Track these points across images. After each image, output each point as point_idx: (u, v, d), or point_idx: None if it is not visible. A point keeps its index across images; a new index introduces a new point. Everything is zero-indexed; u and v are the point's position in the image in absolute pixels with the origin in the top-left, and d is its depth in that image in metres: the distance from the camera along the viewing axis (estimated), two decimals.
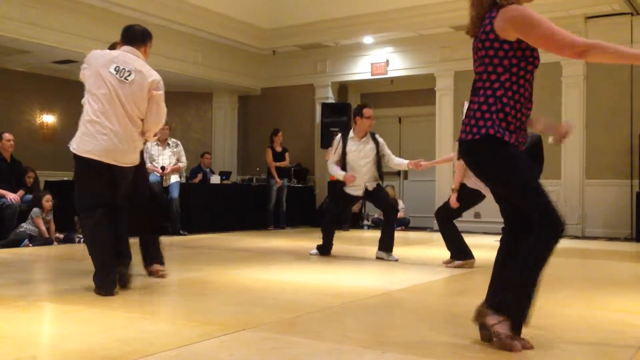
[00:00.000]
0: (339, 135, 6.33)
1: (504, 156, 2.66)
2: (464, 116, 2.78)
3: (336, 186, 6.45)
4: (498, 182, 2.77)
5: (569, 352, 2.66)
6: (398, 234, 6.22)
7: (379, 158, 6.18)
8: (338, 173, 6.15)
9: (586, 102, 9.51)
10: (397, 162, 6.25)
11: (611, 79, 9.35)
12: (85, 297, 3.69)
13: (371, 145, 6.16)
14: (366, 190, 6.15)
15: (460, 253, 5.54)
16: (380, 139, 6.27)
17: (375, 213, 10.91)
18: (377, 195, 6.21)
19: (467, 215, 10.10)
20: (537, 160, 8.30)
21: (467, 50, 11.27)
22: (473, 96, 2.73)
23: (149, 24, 9.88)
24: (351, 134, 6.21)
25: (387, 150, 6.25)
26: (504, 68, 2.63)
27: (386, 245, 6.00)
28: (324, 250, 6.32)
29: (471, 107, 2.71)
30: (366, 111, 6.11)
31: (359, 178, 6.08)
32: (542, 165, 8.33)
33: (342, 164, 6.17)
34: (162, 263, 4.55)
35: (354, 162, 6.11)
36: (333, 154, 6.24)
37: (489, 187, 2.93)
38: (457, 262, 5.52)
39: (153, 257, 4.54)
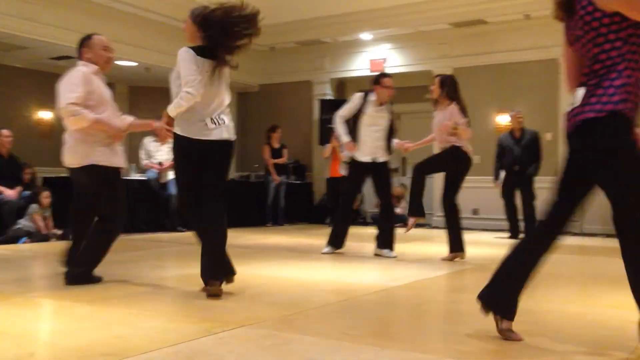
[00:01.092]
0: (361, 93, 6.02)
1: (631, 144, 2.43)
2: (572, 107, 2.58)
3: (349, 166, 6.25)
4: (617, 172, 2.51)
5: (568, 348, 2.66)
6: (398, 231, 6.21)
7: (392, 130, 6.04)
8: (342, 134, 5.98)
9: None
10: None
11: None
12: (84, 294, 3.68)
13: (386, 114, 6.02)
14: (374, 162, 5.96)
15: (415, 207, 5.63)
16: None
17: (375, 209, 10.92)
18: (381, 179, 6.02)
19: (465, 211, 10.12)
20: (537, 156, 8.33)
21: (465, 46, 11.22)
22: (591, 79, 2.51)
23: (147, 20, 9.91)
24: (372, 97, 5.95)
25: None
26: (623, 41, 2.43)
27: (384, 241, 5.98)
28: (337, 242, 6.12)
29: (590, 90, 2.50)
30: (386, 80, 5.90)
31: (370, 144, 5.91)
32: (540, 162, 8.35)
33: (353, 125, 5.94)
34: None
35: (366, 127, 5.90)
36: (347, 110, 5.98)
37: (598, 176, 2.61)
38: (411, 220, 5.74)
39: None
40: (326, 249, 6.14)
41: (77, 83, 4.04)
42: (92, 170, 4.08)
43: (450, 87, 5.67)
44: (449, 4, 9.88)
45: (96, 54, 4.30)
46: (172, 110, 3.76)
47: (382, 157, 6.01)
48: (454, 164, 5.72)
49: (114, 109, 4.29)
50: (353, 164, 6.10)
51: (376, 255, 5.98)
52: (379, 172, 6.03)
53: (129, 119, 4.36)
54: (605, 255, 6.28)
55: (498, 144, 8.55)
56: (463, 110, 5.63)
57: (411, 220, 5.74)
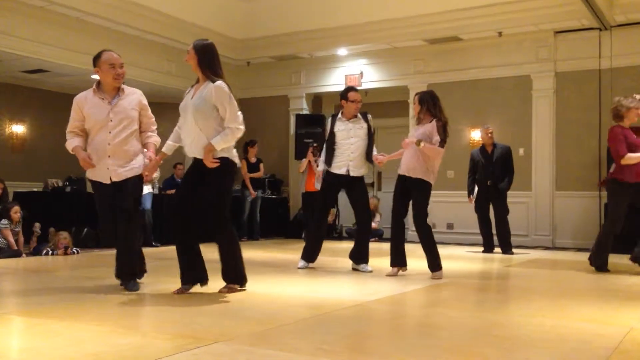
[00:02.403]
0: (330, 116, 6.25)
1: None
2: None
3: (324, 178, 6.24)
4: None
5: None
6: (372, 245, 6.24)
7: (371, 140, 6.06)
8: (320, 162, 6.17)
9: (556, 114, 9.69)
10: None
11: (580, 92, 9.54)
12: (55, 310, 3.63)
13: (362, 124, 6.06)
14: (348, 175, 5.97)
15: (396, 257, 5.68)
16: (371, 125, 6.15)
17: (350, 223, 10.95)
18: (357, 194, 6.04)
19: (440, 226, 10.24)
20: (509, 170, 8.44)
21: (439, 63, 11.39)
22: None
23: (122, 34, 9.87)
24: (339, 115, 6.10)
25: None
26: None
27: (360, 256, 6.00)
28: (310, 255, 6.14)
29: None
30: (351, 94, 6.01)
31: (344, 157, 5.98)
32: (512, 176, 8.47)
33: (331, 144, 6.04)
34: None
35: (341, 142, 6.00)
36: (326, 137, 6.15)
37: None
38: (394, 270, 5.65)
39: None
40: (301, 264, 6.14)
41: (72, 110, 4.50)
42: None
43: (429, 103, 5.64)
44: (424, 21, 10.02)
45: (103, 72, 4.48)
46: (220, 144, 4.19)
47: (357, 171, 6.02)
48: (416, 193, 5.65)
49: (111, 127, 4.46)
50: (327, 176, 6.12)
51: (354, 269, 6.00)
52: (355, 186, 6.05)
53: (73, 143, 4.50)
54: (576, 269, 6.37)
55: (470, 159, 8.65)
56: (443, 127, 5.53)
57: (394, 270, 5.65)
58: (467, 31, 9.91)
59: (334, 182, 6.08)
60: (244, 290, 4.53)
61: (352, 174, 5.99)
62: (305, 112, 11.83)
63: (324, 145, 6.20)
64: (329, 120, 6.18)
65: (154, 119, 4.76)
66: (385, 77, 11.07)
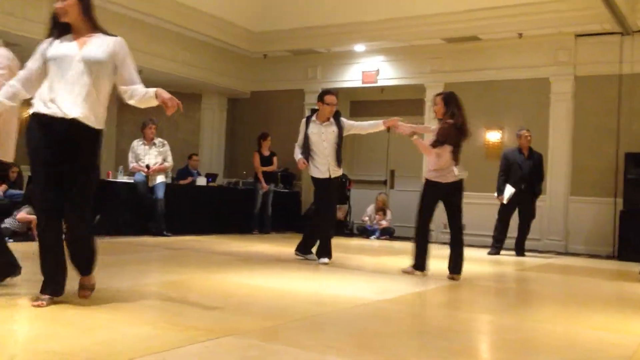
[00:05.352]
0: (305, 118, 6.45)
1: None
2: None
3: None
4: None
5: None
6: (383, 243, 6.21)
7: (340, 144, 6.21)
8: (296, 156, 6.31)
9: (574, 119, 9.59)
10: (369, 124, 6.27)
11: (599, 97, 9.44)
12: (67, 298, 3.64)
13: (333, 129, 6.20)
14: (329, 176, 6.18)
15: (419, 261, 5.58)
16: (346, 122, 6.30)
17: (361, 219, 10.93)
18: (327, 192, 6.25)
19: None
20: (540, 176, 8.49)
21: (457, 62, 11.29)
22: None
23: (139, 21, 9.88)
24: (314, 117, 6.29)
25: (354, 123, 6.40)
26: None
27: (321, 250, 6.17)
28: (303, 248, 6.46)
29: None
30: (328, 97, 6.19)
31: (323, 160, 6.15)
32: (542, 183, 8.51)
33: (307, 147, 6.24)
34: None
35: (316, 145, 6.19)
36: (299, 139, 6.35)
37: None
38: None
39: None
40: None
41: None
42: None
43: (454, 104, 5.52)
44: (443, 20, 9.95)
45: None
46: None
47: (336, 172, 6.23)
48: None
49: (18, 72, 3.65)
50: (314, 181, 6.29)
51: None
52: (330, 185, 6.22)
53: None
54: (589, 276, 6.32)
55: (504, 159, 8.54)
56: (458, 130, 5.41)
57: (410, 269, 5.60)
58: (487, 31, 9.84)
59: (321, 186, 6.25)
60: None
61: (332, 175, 6.20)
62: None
63: (299, 145, 6.35)
64: (304, 122, 6.35)
65: None
66: (402, 75, 11.02)
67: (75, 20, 3.56)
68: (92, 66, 3.46)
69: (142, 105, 3.66)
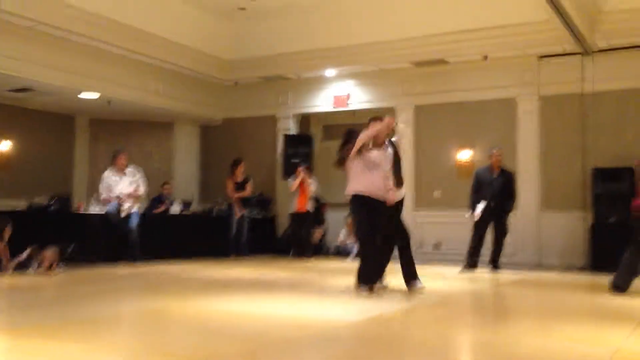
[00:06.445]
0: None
1: None
2: None
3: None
4: None
5: None
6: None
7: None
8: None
9: (541, 136, 9.81)
10: None
11: (564, 115, 9.68)
12: (40, 329, 3.58)
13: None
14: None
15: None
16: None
17: (335, 242, 10.94)
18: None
19: (427, 245, 10.26)
20: (511, 194, 8.62)
21: (426, 85, 11.43)
22: None
23: (109, 53, 9.88)
24: None
25: None
26: None
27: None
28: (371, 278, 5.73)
29: None
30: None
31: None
32: (514, 200, 8.63)
33: None
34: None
35: None
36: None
37: None
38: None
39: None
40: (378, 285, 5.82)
41: None
42: None
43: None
44: (411, 44, 10.13)
45: None
46: None
47: None
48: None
49: None
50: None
51: None
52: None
53: None
54: (562, 290, 6.41)
55: (475, 177, 8.67)
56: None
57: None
58: (453, 54, 10.04)
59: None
60: None
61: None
62: (293, 132, 11.87)
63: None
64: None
65: None
66: (373, 99, 11.16)
67: None
68: None
69: None
